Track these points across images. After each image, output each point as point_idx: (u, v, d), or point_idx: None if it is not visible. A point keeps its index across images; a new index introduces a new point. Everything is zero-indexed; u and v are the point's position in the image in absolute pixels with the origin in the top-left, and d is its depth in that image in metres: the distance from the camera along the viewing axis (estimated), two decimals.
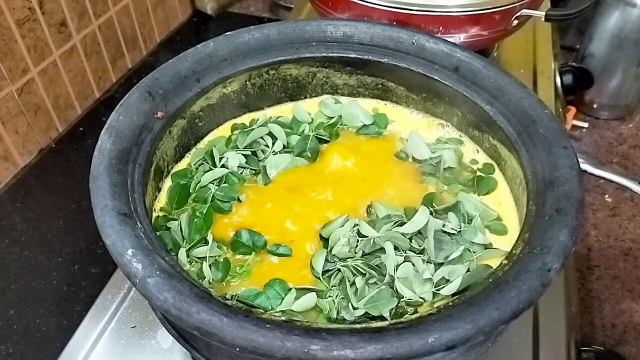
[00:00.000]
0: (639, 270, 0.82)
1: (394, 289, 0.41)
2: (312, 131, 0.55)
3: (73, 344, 0.53)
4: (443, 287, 0.41)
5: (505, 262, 0.39)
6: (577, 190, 0.40)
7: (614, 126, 1.07)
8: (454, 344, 0.32)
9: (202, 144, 0.55)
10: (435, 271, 0.42)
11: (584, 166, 0.95)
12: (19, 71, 0.76)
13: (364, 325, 0.35)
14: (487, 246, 0.45)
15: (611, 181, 0.94)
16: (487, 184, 0.51)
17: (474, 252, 0.44)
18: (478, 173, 0.52)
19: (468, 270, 0.42)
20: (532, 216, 0.41)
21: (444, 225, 0.45)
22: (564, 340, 0.54)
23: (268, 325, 0.32)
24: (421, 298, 0.41)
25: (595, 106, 1.07)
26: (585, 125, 1.01)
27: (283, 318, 0.34)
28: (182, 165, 0.53)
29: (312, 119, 0.58)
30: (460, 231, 0.45)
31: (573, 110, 0.96)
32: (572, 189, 0.40)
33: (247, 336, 0.32)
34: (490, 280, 0.37)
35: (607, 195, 0.93)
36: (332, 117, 0.58)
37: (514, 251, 0.39)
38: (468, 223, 0.46)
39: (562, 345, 0.53)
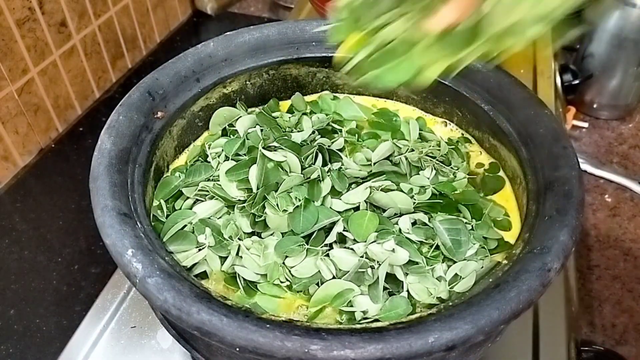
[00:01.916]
0: (639, 270, 0.82)
1: (409, 294, 0.41)
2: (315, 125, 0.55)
3: (73, 344, 0.53)
4: (456, 284, 0.41)
5: (505, 262, 0.39)
6: (577, 190, 0.40)
7: (614, 126, 1.07)
8: (454, 344, 0.32)
9: (198, 142, 0.55)
10: (448, 268, 0.42)
11: (584, 166, 0.95)
12: (19, 71, 0.76)
13: (364, 325, 0.35)
14: (499, 241, 0.45)
15: (611, 181, 0.94)
16: (494, 184, 0.51)
17: (489, 250, 0.44)
18: (485, 174, 0.52)
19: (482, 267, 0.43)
20: (532, 216, 0.41)
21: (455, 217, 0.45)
22: (564, 340, 0.54)
23: (268, 325, 0.32)
24: (438, 299, 0.41)
25: (595, 106, 1.07)
26: (585, 125, 1.01)
27: (283, 318, 0.34)
28: (180, 161, 0.53)
29: (310, 109, 0.57)
30: (472, 227, 0.45)
31: (573, 110, 0.96)
32: (572, 189, 0.40)
33: (247, 336, 0.32)
34: (490, 280, 0.37)
35: (607, 195, 0.93)
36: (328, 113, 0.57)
37: (514, 251, 0.39)
38: (477, 220, 0.46)
39: (562, 345, 0.53)
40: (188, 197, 0.47)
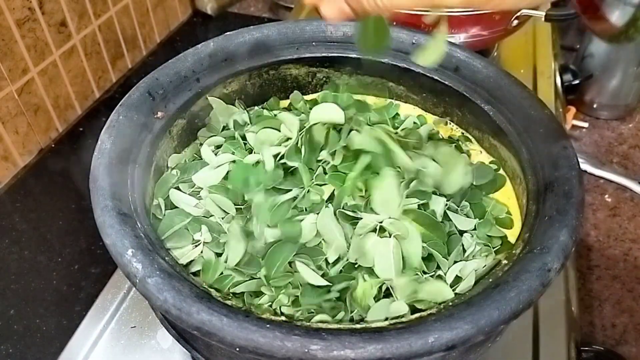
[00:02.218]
0: (639, 270, 0.82)
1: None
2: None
3: (73, 344, 0.53)
4: (457, 286, 0.41)
5: (505, 262, 0.39)
6: (577, 190, 0.40)
7: (614, 126, 1.07)
8: (454, 344, 0.32)
9: (198, 141, 0.55)
10: (448, 269, 0.42)
11: (584, 166, 0.95)
12: (19, 71, 0.76)
13: (364, 325, 0.35)
14: (502, 239, 0.45)
15: (611, 181, 0.94)
16: (495, 182, 0.50)
17: (493, 248, 0.44)
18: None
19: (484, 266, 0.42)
20: (532, 216, 0.41)
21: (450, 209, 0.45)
22: (564, 340, 0.54)
23: (268, 325, 0.32)
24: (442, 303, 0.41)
25: (595, 106, 1.07)
26: (585, 125, 1.00)
27: (283, 318, 0.34)
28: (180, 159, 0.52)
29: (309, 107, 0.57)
30: (475, 226, 0.45)
31: (573, 110, 0.96)
32: (572, 189, 0.40)
33: (247, 336, 0.32)
34: (490, 280, 0.37)
35: (607, 195, 0.93)
36: None
37: (514, 251, 0.39)
38: (480, 218, 0.46)
39: (562, 345, 0.53)
40: (185, 193, 0.47)
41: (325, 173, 0.46)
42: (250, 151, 0.49)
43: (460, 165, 0.47)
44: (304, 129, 0.48)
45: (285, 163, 0.47)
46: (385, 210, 0.43)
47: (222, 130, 0.54)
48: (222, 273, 0.41)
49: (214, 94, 0.53)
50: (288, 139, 0.49)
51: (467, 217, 0.46)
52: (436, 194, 0.46)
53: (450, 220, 0.45)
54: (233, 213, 0.45)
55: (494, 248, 0.44)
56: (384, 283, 0.40)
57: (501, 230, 0.46)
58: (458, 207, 0.47)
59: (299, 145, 0.47)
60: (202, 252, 0.43)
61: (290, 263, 0.41)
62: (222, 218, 0.45)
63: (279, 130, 0.51)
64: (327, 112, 0.50)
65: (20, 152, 0.80)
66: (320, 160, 0.47)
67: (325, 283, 0.40)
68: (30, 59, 0.77)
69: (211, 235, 0.44)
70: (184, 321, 0.33)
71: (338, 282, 0.40)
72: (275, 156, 0.47)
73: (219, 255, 0.43)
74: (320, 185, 0.45)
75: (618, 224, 0.88)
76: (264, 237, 0.42)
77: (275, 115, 0.54)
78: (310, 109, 0.56)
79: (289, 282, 0.40)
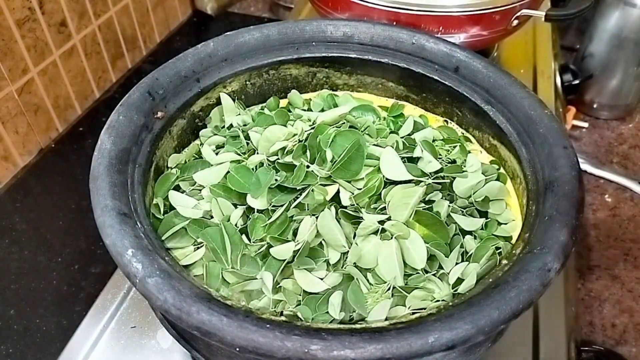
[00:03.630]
0: (639, 270, 0.82)
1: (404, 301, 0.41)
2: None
3: (73, 344, 0.53)
4: (459, 286, 0.41)
5: (505, 262, 0.39)
6: (577, 190, 0.40)
7: (614, 126, 1.07)
8: (454, 344, 0.32)
9: (198, 141, 0.54)
10: (450, 270, 0.42)
11: (584, 166, 0.95)
12: (19, 71, 0.76)
13: (364, 325, 0.35)
14: (507, 238, 0.45)
15: (611, 181, 0.94)
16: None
17: (498, 249, 0.44)
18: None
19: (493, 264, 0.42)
20: (532, 216, 0.41)
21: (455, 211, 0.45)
22: (564, 340, 0.54)
23: (268, 325, 0.32)
24: (443, 300, 0.40)
25: (595, 106, 1.07)
26: (585, 125, 1.01)
27: (283, 318, 0.34)
28: (180, 161, 0.52)
29: (309, 105, 0.57)
30: (482, 226, 0.45)
31: (573, 110, 0.96)
32: (572, 189, 0.40)
33: (247, 336, 0.32)
34: (490, 280, 0.37)
35: (607, 195, 0.93)
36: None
37: (514, 251, 0.39)
38: (485, 217, 0.46)
39: (562, 345, 0.53)
40: (185, 191, 0.47)
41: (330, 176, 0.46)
42: (253, 151, 0.49)
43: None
44: (311, 128, 0.48)
45: (291, 161, 0.46)
46: (396, 215, 0.43)
47: (224, 129, 0.54)
48: (222, 275, 0.41)
49: (214, 94, 0.53)
50: (294, 135, 0.49)
51: (473, 217, 0.46)
52: (444, 198, 0.46)
53: (455, 221, 0.45)
54: (235, 215, 0.45)
55: (498, 249, 0.44)
56: (391, 287, 0.40)
57: (506, 230, 0.46)
58: (463, 208, 0.46)
59: (305, 143, 0.47)
60: (203, 256, 0.43)
61: (289, 263, 0.41)
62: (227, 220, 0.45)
63: (285, 126, 0.51)
64: (336, 112, 0.50)
65: (20, 152, 0.80)
66: (326, 160, 0.47)
67: (325, 287, 0.40)
68: (30, 59, 0.77)
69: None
70: (184, 321, 0.33)
71: (339, 283, 0.40)
72: (282, 149, 0.47)
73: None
74: (324, 185, 0.45)
75: (618, 224, 0.88)
76: (258, 247, 0.42)
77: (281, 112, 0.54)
78: (310, 109, 0.57)
79: (289, 290, 0.40)
